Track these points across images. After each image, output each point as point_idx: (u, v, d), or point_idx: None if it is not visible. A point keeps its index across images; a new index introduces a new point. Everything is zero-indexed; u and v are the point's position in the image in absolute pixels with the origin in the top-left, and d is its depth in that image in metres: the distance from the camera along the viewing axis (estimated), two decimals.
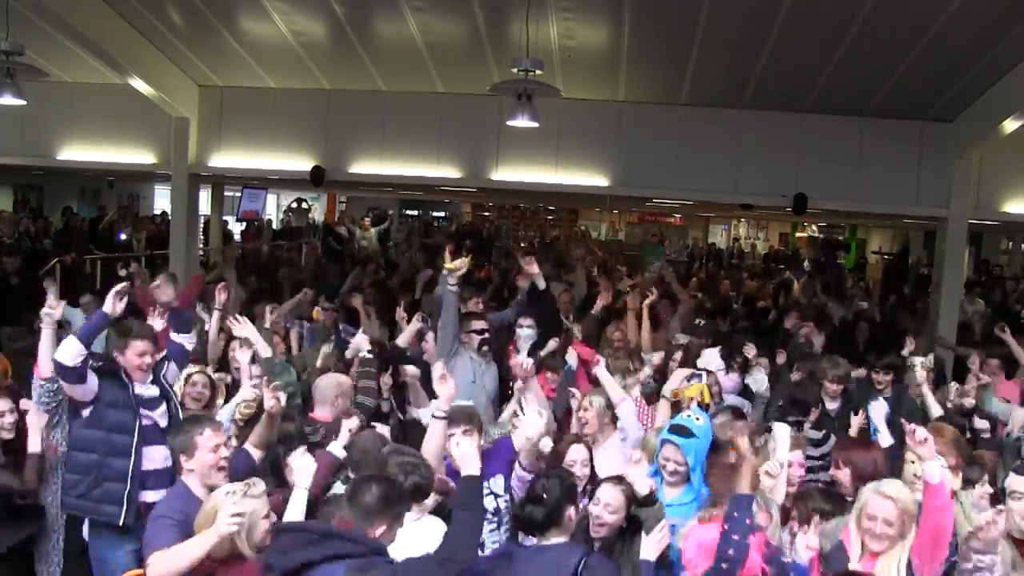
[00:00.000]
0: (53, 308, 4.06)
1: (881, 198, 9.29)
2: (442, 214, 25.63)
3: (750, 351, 5.65)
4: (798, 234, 24.21)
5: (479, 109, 9.19)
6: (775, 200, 9.37)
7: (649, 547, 2.92)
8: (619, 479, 3.33)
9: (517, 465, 3.46)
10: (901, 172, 9.02)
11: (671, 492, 3.54)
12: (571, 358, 5.64)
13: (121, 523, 3.85)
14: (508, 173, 9.59)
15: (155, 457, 3.97)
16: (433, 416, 3.69)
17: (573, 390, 4.70)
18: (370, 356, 4.73)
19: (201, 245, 12.24)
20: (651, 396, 4.90)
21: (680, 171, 9.33)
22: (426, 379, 5.25)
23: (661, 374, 5.26)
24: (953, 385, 5.19)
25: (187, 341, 4.48)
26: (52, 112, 10.11)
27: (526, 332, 5.56)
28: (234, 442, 3.88)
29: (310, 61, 8.95)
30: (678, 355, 5.58)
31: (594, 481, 3.61)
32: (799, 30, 7.08)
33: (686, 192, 10.05)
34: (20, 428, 4.11)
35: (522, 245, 20.14)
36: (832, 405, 5.22)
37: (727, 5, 6.90)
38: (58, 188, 17.67)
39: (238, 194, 13.98)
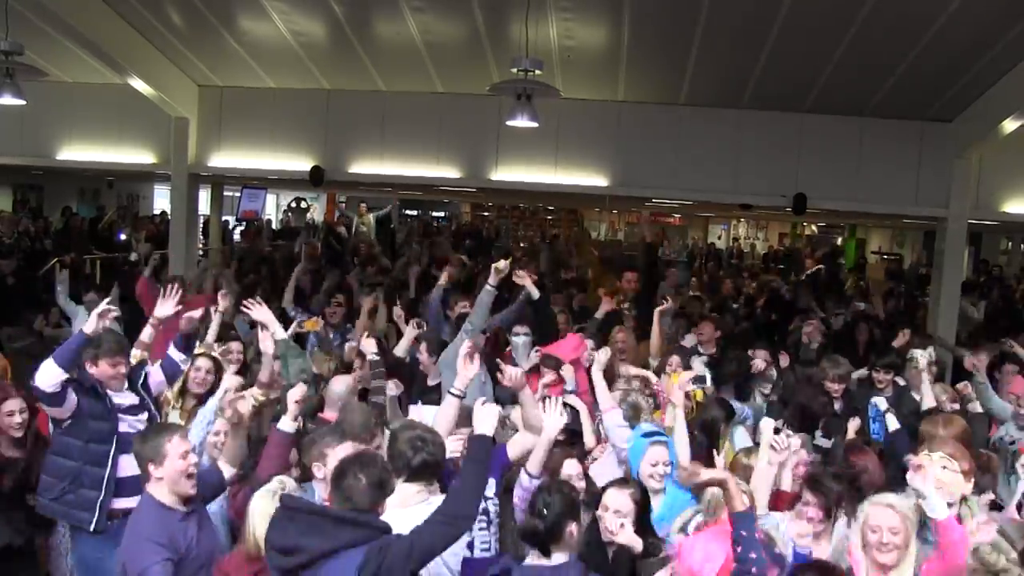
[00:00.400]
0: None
1: (881, 198, 9.29)
2: (442, 214, 25.64)
3: (759, 364, 5.58)
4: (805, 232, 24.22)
5: (479, 109, 9.19)
6: (775, 200, 9.37)
7: None
8: (624, 481, 3.33)
9: (524, 473, 3.39)
10: (901, 172, 9.02)
11: (656, 500, 3.57)
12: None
13: (92, 528, 3.87)
14: (508, 173, 9.59)
15: (131, 464, 3.84)
16: (449, 392, 3.72)
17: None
18: (378, 358, 4.74)
19: (201, 245, 12.23)
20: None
21: (679, 171, 9.33)
22: (422, 390, 5.30)
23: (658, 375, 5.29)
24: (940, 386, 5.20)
25: (183, 362, 4.49)
26: (52, 112, 10.10)
27: (521, 340, 5.55)
28: (222, 438, 3.83)
29: (310, 61, 8.95)
30: (675, 358, 5.56)
31: (589, 493, 3.61)
32: (799, 30, 7.08)
33: (685, 192, 10.04)
34: (29, 427, 4.14)
35: (521, 245, 20.14)
36: (834, 405, 5.21)
37: (726, 5, 6.90)
38: (58, 188, 17.68)
39: (237, 194, 13.98)
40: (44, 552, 4.24)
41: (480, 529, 3.58)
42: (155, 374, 4.34)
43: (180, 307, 4.61)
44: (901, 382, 5.61)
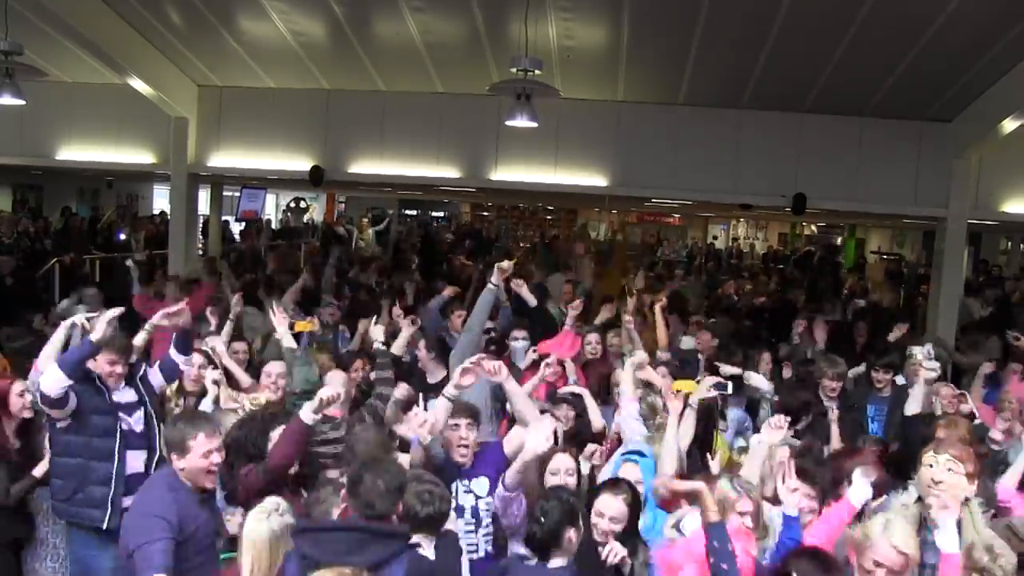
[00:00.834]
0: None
1: (880, 198, 9.29)
2: (441, 214, 25.63)
3: (765, 363, 5.60)
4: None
5: (478, 109, 9.19)
6: (774, 200, 9.38)
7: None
8: (616, 485, 3.32)
9: (501, 483, 3.37)
10: (900, 172, 9.02)
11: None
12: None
13: (104, 526, 3.84)
14: (507, 173, 9.59)
15: (135, 462, 3.96)
16: (443, 395, 3.78)
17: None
18: (383, 348, 4.74)
19: (200, 245, 12.23)
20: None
21: (679, 171, 9.34)
22: (424, 387, 5.30)
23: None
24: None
25: (183, 362, 4.44)
26: (51, 112, 10.11)
27: (519, 345, 5.56)
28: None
29: (309, 61, 8.95)
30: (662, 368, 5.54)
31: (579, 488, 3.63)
32: (798, 30, 7.09)
33: (685, 192, 10.05)
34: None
35: (521, 245, 20.15)
36: (830, 404, 5.20)
37: (726, 5, 6.90)
38: (57, 188, 17.67)
39: (237, 194, 13.97)
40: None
41: (467, 531, 3.61)
42: (153, 375, 4.31)
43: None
44: (900, 381, 5.61)
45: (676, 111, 9.23)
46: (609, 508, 3.20)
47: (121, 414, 3.99)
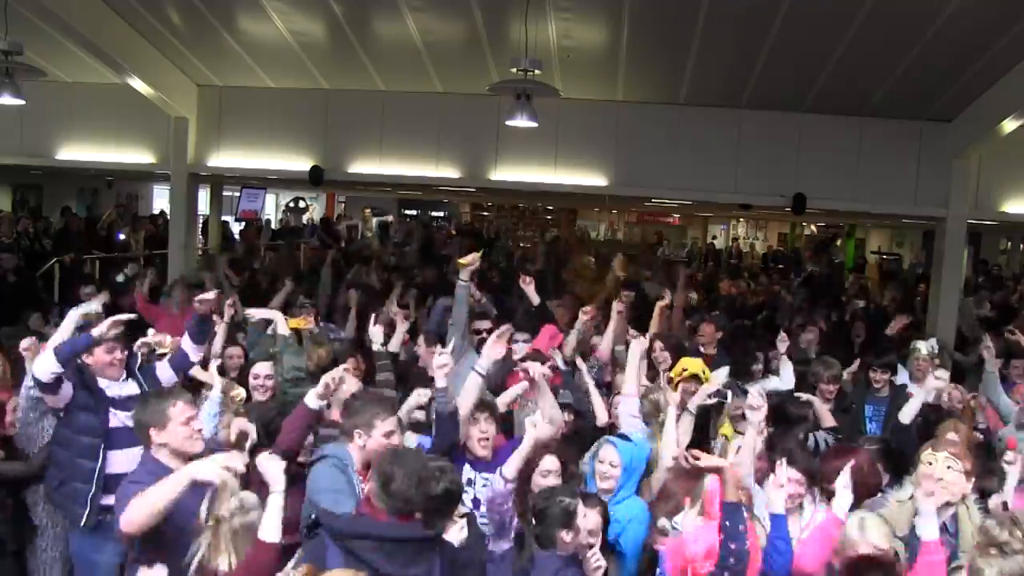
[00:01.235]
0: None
1: (880, 198, 9.30)
2: (441, 214, 25.61)
3: (782, 345, 5.57)
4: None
5: (478, 109, 9.19)
6: (774, 200, 9.38)
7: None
8: (590, 498, 3.33)
9: (499, 473, 3.38)
10: (900, 172, 9.03)
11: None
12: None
13: (83, 524, 3.84)
14: (507, 173, 9.59)
15: (122, 461, 3.87)
16: (475, 369, 3.85)
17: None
18: (383, 349, 4.74)
19: (200, 245, 12.23)
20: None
21: (679, 171, 9.34)
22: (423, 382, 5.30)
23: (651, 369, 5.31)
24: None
25: (195, 352, 4.33)
26: (51, 112, 10.10)
27: (521, 348, 5.55)
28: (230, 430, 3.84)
29: (309, 61, 8.95)
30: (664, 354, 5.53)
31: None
32: (798, 30, 7.09)
33: (685, 192, 10.05)
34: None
35: (522, 245, 20.14)
36: (826, 407, 5.17)
37: (726, 5, 6.91)
38: (57, 188, 17.65)
39: (237, 194, 13.97)
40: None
41: (483, 523, 3.57)
42: (163, 369, 4.26)
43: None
44: (898, 381, 5.61)
45: (676, 111, 9.23)
46: (587, 521, 3.20)
47: (116, 411, 3.95)
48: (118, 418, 3.95)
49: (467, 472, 3.72)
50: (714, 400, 4.38)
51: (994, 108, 7.80)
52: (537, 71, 6.52)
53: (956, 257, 9.34)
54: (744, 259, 22.17)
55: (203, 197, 12.18)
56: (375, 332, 4.89)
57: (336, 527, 2.70)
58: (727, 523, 2.79)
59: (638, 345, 4.49)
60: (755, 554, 2.90)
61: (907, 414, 4.44)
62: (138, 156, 10.35)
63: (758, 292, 12.15)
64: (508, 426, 4.43)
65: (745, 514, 2.88)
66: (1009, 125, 7.56)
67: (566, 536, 3.00)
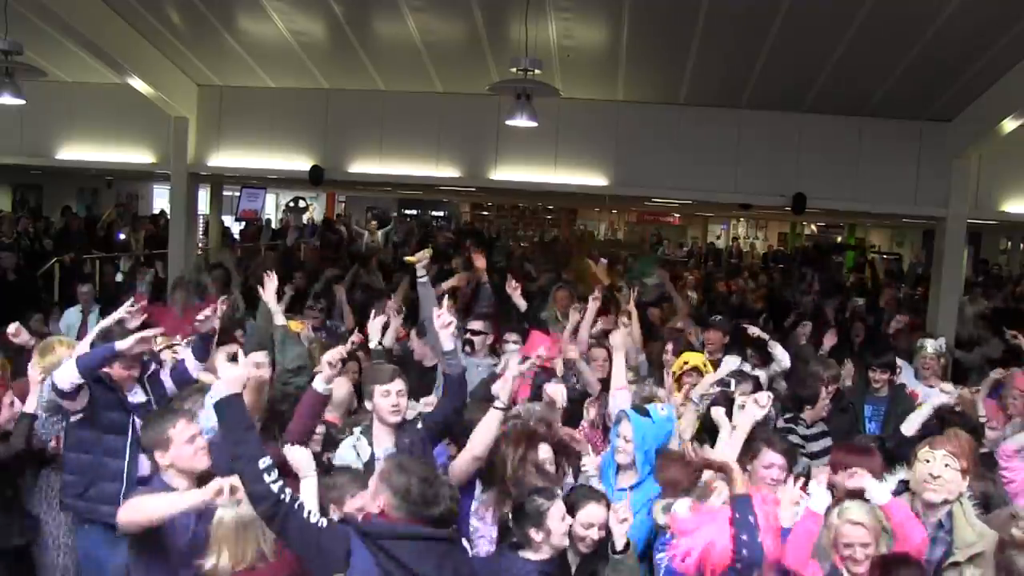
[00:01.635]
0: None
1: (880, 198, 9.30)
2: (441, 214, 25.62)
3: (753, 330, 5.62)
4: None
5: (478, 109, 9.20)
6: (774, 200, 9.38)
7: None
8: (601, 496, 3.33)
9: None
10: (900, 172, 9.02)
11: (622, 475, 3.67)
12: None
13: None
14: (507, 173, 9.60)
15: (144, 464, 3.90)
16: (494, 406, 3.68)
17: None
18: (381, 347, 4.73)
19: (200, 245, 12.23)
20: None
21: (679, 171, 9.34)
22: (420, 372, 5.32)
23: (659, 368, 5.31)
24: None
25: (196, 368, 4.31)
26: (51, 112, 10.10)
27: (511, 348, 5.55)
28: None
29: (309, 61, 8.95)
30: (670, 345, 5.53)
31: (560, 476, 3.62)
32: (798, 29, 7.09)
33: (685, 192, 10.05)
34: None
35: (522, 245, 20.14)
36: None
37: (726, 5, 6.91)
38: (57, 188, 17.67)
39: (237, 194, 13.97)
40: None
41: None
42: (167, 378, 4.26)
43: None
44: (902, 379, 5.61)
45: (676, 111, 9.23)
46: (597, 517, 3.21)
47: (134, 415, 3.97)
48: (136, 421, 3.94)
49: None
50: (717, 389, 4.38)
51: (994, 108, 7.80)
52: (537, 71, 6.52)
53: (956, 257, 9.34)
54: (744, 259, 22.18)
55: (203, 197, 12.18)
56: (373, 329, 4.88)
57: (371, 530, 2.71)
58: (737, 515, 2.81)
59: (619, 336, 4.46)
60: (774, 542, 2.92)
61: (911, 426, 4.41)
62: (138, 156, 10.35)
63: (759, 292, 12.14)
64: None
65: (754, 505, 2.89)
66: (1009, 125, 7.56)
67: (535, 535, 3.04)
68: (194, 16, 8.12)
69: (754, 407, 3.69)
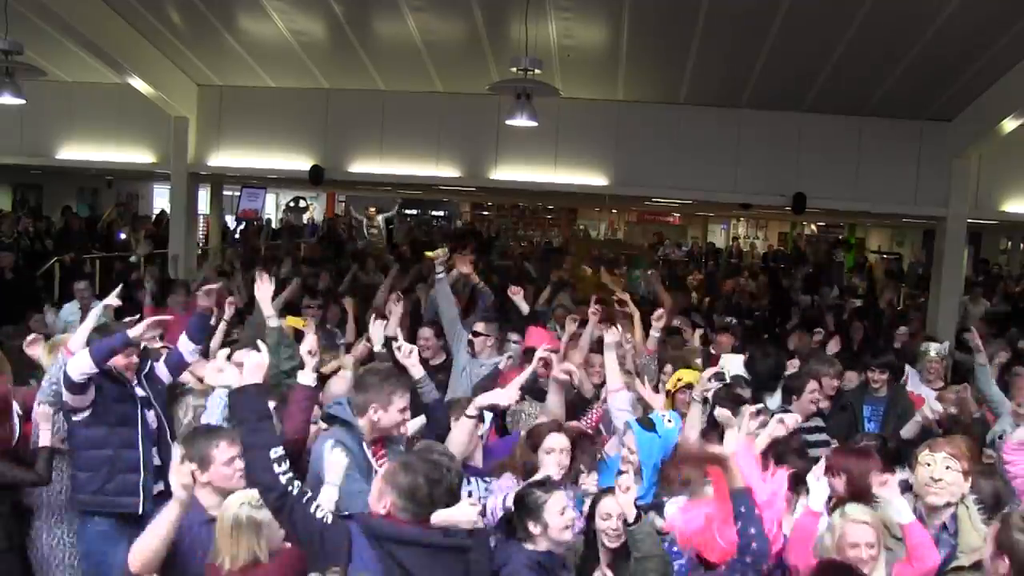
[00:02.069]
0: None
1: (880, 197, 9.30)
2: (441, 213, 25.61)
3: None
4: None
5: (478, 108, 9.20)
6: (774, 199, 9.39)
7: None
8: (614, 490, 3.33)
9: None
10: (900, 171, 9.03)
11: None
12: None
13: (140, 511, 3.85)
14: (507, 172, 9.60)
15: (154, 453, 4.00)
16: (465, 414, 3.69)
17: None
18: (384, 350, 4.72)
19: (200, 245, 12.23)
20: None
21: (679, 170, 9.34)
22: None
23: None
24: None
25: (191, 352, 4.25)
26: (51, 111, 10.11)
27: (513, 348, 5.55)
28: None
29: (309, 60, 8.95)
30: (668, 367, 5.50)
31: (570, 474, 3.60)
32: (798, 29, 7.09)
33: (685, 191, 10.06)
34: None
35: (522, 245, 20.15)
36: (824, 404, 5.18)
37: (726, 5, 6.91)
38: (57, 187, 17.64)
39: (237, 194, 13.96)
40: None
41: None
42: (162, 370, 4.23)
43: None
44: (908, 385, 5.61)
45: (676, 111, 9.24)
46: (613, 508, 3.21)
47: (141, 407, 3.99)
48: (144, 414, 3.99)
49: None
50: (716, 384, 4.37)
51: (994, 108, 7.80)
52: (537, 70, 6.52)
53: (956, 257, 9.35)
54: (744, 258, 22.16)
55: (203, 197, 12.19)
56: (375, 333, 4.87)
57: (382, 531, 2.69)
58: (741, 509, 2.79)
59: (611, 337, 4.41)
60: (776, 532, 2.91)
61: (909, 430, 4.47)
62: (138, 156, 10.36)
63: (761, 293, 12.14)
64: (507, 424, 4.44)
65: (754, 496, 2.87)
66: (1009, 125, 7.56)
67: (533, 528, 3.03)
68: (194, 16, 8.12)
69: (779, 427, 3.68)
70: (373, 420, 3.31)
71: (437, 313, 6.19)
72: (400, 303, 5.50)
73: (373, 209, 16.70)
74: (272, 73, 9.47)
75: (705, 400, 4.26)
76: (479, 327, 5.43)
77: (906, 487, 3.45)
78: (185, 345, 4.25)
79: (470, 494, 3.61)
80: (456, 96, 9.39)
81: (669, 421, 3.72)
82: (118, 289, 4.48)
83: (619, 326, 4.73)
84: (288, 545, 2.86)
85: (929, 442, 3.42)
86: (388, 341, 4.98)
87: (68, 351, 3.95)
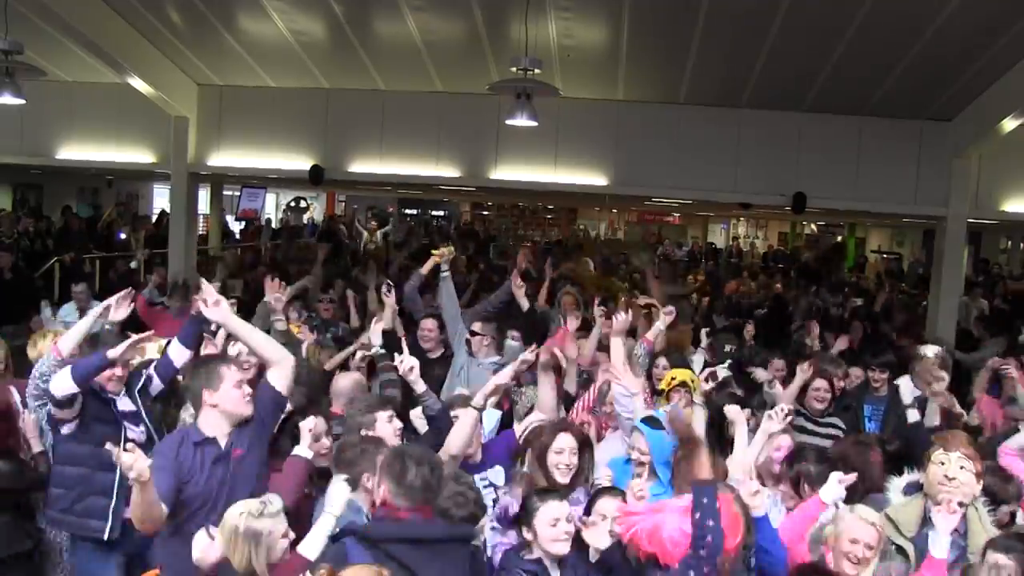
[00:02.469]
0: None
1: (880, 197, 9.30)
2: (441, 213, 25.62)
3: (761, 375, 5.59)
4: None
5: (478, 108, 9.19)
6: (774, 199, 9.38)
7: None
8: (611, 489, 3.32)
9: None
10: (900, 171, 9.02)
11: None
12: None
13: (106, 538, 3.73)
14: (507, 172, 9.60)
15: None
16: (471, 405, 3.71)
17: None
18: (383, 351, 4.72)
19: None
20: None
21: (679, 170, 9.34)
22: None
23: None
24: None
25: (181, 358, 4.05)
26: (51, 111, 10.10)
27: (513, 346, 5.55)
28: None
29: (309, 60, 8.95)
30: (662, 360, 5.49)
31: (582, 473, 3.60)
32: (798, 29, 7.09)
33: (685, 191, 10.06)
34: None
35: (524, 244, 20.14)
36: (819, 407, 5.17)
37: (726, 5, 6.91)
38: (57, 187, 17.66)
39: (237, 193, 13.98)
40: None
41: (491, 529, 3.49)
42: (155, 383, 4.07)
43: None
44: (907, 395, 5.60)
45: (676, 110, 9.23)
46: (613, 511, 3.19)
47: (126, 423, 3.86)
48: (130, 430, 3.84)
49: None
50: (712, 384, 4.38)
51: (994, 108, 7.80)
52: (537, 70, 6.52)
53: (956, 256, 9.35)
54: (744, 258, 22.17)
55: (203, 197, 12.19)
56: (375, 334, 4.87)
57: (370, 534, 2.68)
58: (703, 500, 2.70)
59: (618, 323, 4.47)
60: (732, 528, 2.87)
61: (931, 419, 4.51)
62: (138, 155, 10.36)
63: (761, 292, 12.14)
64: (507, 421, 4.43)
65: (718, 490, 2.83)
66: (1009, 124, 7.56)
67: (527, 534, 3.00)
68: (194, 16, 8.12)
69: (770, 422, 3.72)
70: (368, 489, 3.14)
71: (412, 302, 6.20)
72: (391, 294, 5.51)
73: (375, 224, 16.82)
74: (272, 73, 9.47)
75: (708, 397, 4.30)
76: (476, 327, 5.43)
77: (916, 487, 3.44)
78: (175, 350, 4.08)
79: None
80: (456, 96, 9.39)
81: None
82: (125, 301, 4.38)
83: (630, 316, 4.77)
84: (292, 553, 2.82)
85: (943, 441, 3.38)
86: (386, 335, 5.03)
87: (56, 348, 3.93)
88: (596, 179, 9.51)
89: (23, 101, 6.96)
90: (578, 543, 3.10)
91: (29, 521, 4.01)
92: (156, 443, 3.82)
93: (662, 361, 5.23)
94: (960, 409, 4.97)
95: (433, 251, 5.49)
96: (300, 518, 3.15)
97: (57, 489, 3.83)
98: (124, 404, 3.89)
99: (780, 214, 17.38)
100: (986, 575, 2.88)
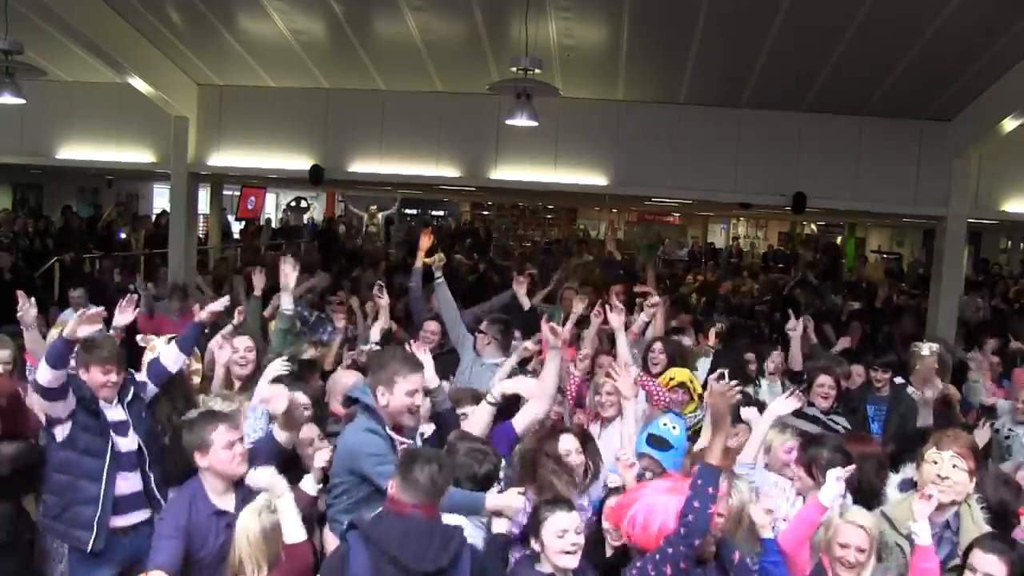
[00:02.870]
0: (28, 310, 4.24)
1: (880, 197, 9.29)
2: (441, 213, 25.62)
3: (752, 365, 5.61)
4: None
5: (478, 108, 9.19)
6: (774, 199, 9.38)
7: None
8: (621, 490, 3.33)
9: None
10: (900, 171, 9.02)
11: None
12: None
13: (89, 549, 3.70)
14: (507, 172, 9.59)
15: (126, 483, 3.78)
16: (486, 400, 3.81)
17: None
18: (379, 347, 4.74)
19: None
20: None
21: (679, 170, 9.34)
22: None
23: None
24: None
25: (176, 363, 4.08)
26: (51, 111, 10.11)
27: (515, 345, 5.54)
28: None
29: (309, 60, 8.95)
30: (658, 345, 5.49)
31: (591, 468, 3.61)
32: (798, 29, 7.09)
33: (685, 191, 10.06)
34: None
35: (523, 244, 20.15)
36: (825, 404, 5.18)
37: (726, 5, 6.91)
38: (57, 187, 17.65)
39: (237, 193, 13.97)
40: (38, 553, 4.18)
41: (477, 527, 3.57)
42: (148, 389, 4.06)
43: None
44: (898, 380, 5.62)
45: (676, 110, 9.23)
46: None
47: (114, 434, 3.80)
48: (118, 441, 3.80)
49: None
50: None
51: (994, 108, 7.80)
52: (537, 70, 6.52)
53: (956, 256, 9.34)
54: (744, 258, 22.16)
55: (203, 197, 12.19)
56: (373, 332, 4.89)
57: (377, 533, 2.73)
58: (699, 481, 2.69)
59: (616, 318, 4.53)
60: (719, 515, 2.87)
61: (923, 419, 4.53)
62: (138, 155, 10.36)
63: (762, 292, 12.14)
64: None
65: (723, 482, 2.82)
66: (1009, 124, 7.56)
67: (535, 545, 2.97)
68: (194, 16, 8.12)
69: (782, 403, 3.80)
70: (383, 404, 3.31)
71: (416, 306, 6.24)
72: (384, 295, 5.52)
73: (375, 207, 16.75)
74: (272, 73, 9.47)
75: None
76: (484, 326, 5.45)
77: (911, 484, 3.45)
78: (171, 355, 4.09)
79: None
80: (456, 96, 9.39)
81: (674, 428, 3.75)
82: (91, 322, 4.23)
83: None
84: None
85: (936, 440, 3.38)
86: (384, 335, 5.05)
87: (31, 361, 3.95)
88: (596, 179, 9.51)
89: (23, 101, 6.96)
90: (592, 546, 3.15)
91: (29, 517, 4.02)
92: (145, 452, 3.86)
93: (658, 346, 5.23)
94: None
95: (426, 259, 5.51)
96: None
97: (49, 496, 3.82)
98: (114, 414, 3.85)
99: (780, 214, 17.38)
100: None
